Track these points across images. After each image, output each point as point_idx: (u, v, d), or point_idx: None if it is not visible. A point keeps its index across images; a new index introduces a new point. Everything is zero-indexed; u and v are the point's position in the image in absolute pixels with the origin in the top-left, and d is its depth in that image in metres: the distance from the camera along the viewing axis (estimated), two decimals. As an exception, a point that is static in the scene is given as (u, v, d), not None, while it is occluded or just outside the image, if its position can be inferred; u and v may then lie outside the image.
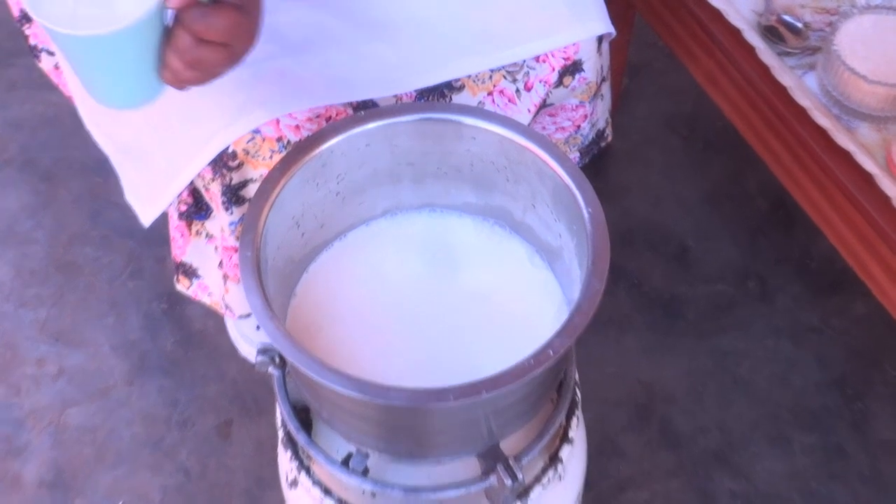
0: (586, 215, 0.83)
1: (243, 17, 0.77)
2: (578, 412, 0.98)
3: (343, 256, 0.96)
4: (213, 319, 1.46)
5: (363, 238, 0.98)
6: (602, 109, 1.20)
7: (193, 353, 1.45)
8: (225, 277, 1.09)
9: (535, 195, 0.92)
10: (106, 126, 1.11)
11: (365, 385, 0.75)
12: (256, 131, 0.96)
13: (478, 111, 0.91)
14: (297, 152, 0.88)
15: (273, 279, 0.85)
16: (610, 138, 1.27)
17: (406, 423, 0.83)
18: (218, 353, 1.44)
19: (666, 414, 1.38)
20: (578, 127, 1.17)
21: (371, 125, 0.90)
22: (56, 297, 1.50)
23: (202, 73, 0.79)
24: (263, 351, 0.89)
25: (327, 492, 0.92)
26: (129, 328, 1.47)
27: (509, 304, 0.93)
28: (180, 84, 0.80)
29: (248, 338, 1.36)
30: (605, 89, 1.18)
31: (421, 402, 0.75)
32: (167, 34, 0.77)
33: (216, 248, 1.13)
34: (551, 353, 0.76)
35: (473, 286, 0.94)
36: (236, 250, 1.03)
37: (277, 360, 0.90)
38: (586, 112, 1.15)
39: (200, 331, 1.46)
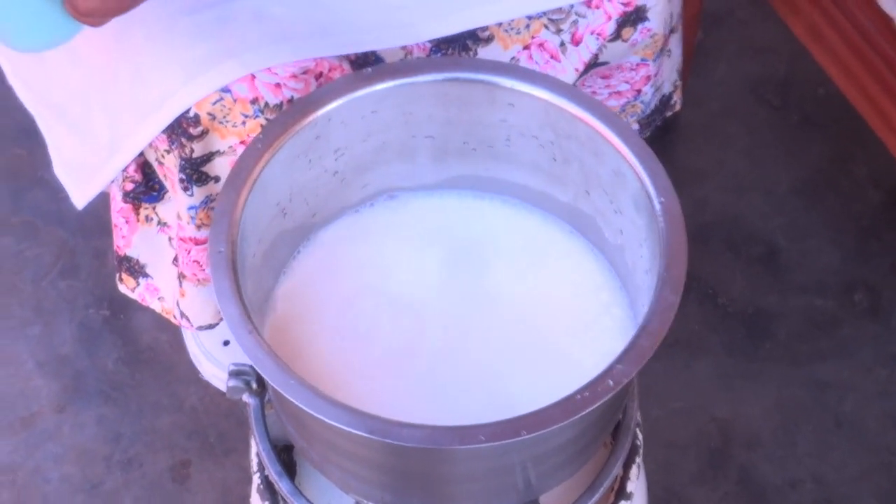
0: (658, 207, 0.83)
1: None
2: (639, 459, 0.98)
3: (339, 252, 0.96)
4: (168, 331, 1.46)
5: (364, 228, 0.98)
6: (669, 69, 1.21)
7: (142, 373, 1.45)
8: (181, 277, 1.10)
9: (590, 180, 0.92)
10: (35, 83, 1.12)
11: (373, 421, 0.75)
12: (225, 90, 0.96)
13: (518, 70, 0.91)
14: (284, 119, 0.88)
15: (251, 282, 0.86)
16: (678, 106, 1.27)
17: (422, 471, 0.83)
18: (173, 375, 1.44)
19: (747, 461, 1.38)
20: (639, 91, 1.17)
21: (380, 86, 0.90)
22: (-34, 299, 1.51)
23: None
24: (237, 373, 0.89)
25: (317, 556, 0.93)
26: (59, 340, 1.47)
27: (555, 319, 0.92)
28: (88, 9, 0.79)
29: (212, 356, 1.37)
30: (674, 43, 1.19)
31: (443, 442, 0.75)
32: None
33: (170, 239, 1.13)
34: (611, 383, 0.76)
35: (508, 293, 0.94)
36: (196, 242, 1.04)
37: (255, 385, 0.90)
38: (649, 72, 1.15)
39: (151, 346, 1.46)
